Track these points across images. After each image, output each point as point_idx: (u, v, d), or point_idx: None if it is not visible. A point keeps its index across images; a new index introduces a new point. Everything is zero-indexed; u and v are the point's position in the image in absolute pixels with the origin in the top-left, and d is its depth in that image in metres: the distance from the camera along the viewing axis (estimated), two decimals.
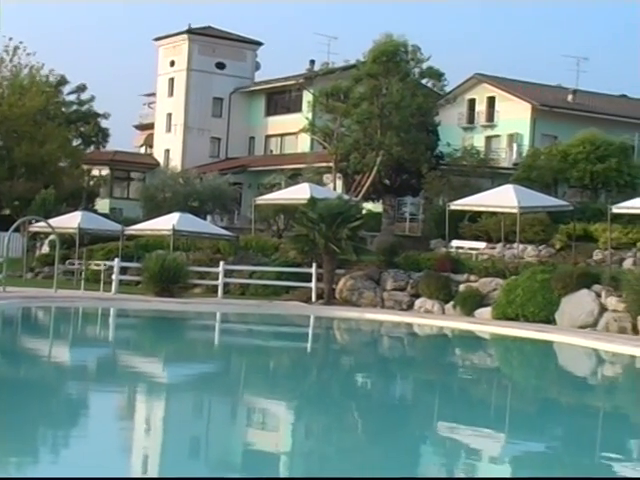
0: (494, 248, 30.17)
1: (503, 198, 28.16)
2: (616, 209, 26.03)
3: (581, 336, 21.13)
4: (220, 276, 28.50)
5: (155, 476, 8.80)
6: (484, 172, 39.68)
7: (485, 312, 25.01)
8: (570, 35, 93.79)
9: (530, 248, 29.56)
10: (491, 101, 48.34)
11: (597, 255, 28.30)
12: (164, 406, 12.65)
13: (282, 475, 9.18)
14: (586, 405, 14.49)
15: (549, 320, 23.67)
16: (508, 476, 9.52)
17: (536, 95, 47.27)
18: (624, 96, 53.74)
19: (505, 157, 45.34)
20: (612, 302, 23.01)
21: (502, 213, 29.44)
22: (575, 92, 48.97)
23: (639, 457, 10.78)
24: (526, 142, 45.56)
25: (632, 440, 11.77)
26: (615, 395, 16.06)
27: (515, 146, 45.59)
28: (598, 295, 23.38)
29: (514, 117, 46.63)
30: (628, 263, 27.17)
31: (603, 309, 23.09)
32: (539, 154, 37.70)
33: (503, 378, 17.71)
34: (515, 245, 28.75)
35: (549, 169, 35.80)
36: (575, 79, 51.41)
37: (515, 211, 27.65)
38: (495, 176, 39.74)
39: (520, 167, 37.50)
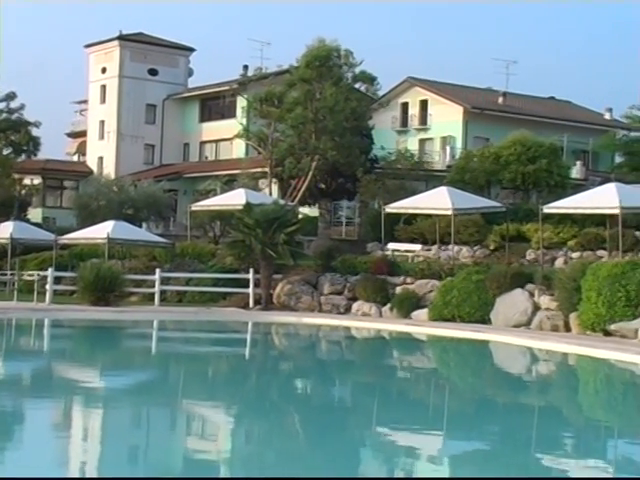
0: (430, 250, 30.48)
1: (437, 200, 28.48)
2: (547, 209, 26.50)
3: (515, 335, 21.48)
4: (156, 284, 28.29)
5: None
6: (418, 175, 40.06)
7: (422, 314, 25.24)
8: (499, 38, 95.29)
9: (465, 249, 29.96)
10: (424, 104, 48.81)
11: (530, 255, 28.79)
12: (99, 416, 12.50)
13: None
14: (521, 402, 14.72)
15: (484, 320, 23.99)
16: (451, 476, 9.65)
17: (467, 98, 47.88)
18: (552, 98, 54.77)
19: (439, 160, 45.79)
20: (545, 301, 23.43)
21: (437, 215, 29.78)
22: (505, 95, 49.74)
23: (573, 451, 10.99)
24: (459, 144, 46.11)
25: (566, 435, 12.01)
26: (549, 391, 16.35)
27: (448, 148, 46.10)
28: (531, 294, 23.77)
29: (447, 120, 47.16)
30: (559, 262, 27.70)
31: (536, 308, 23.48)
32: (472, 156, 38.20)
33: (440, 378, 17.89)
34: (450, 247, 29.10)
35: (482, 171, 36.30)
36: (505, 82, 52.23)
37: (449, 213, 27.99)
38: (429, 178, 40.17)
39: (453, 169, 37.94)
